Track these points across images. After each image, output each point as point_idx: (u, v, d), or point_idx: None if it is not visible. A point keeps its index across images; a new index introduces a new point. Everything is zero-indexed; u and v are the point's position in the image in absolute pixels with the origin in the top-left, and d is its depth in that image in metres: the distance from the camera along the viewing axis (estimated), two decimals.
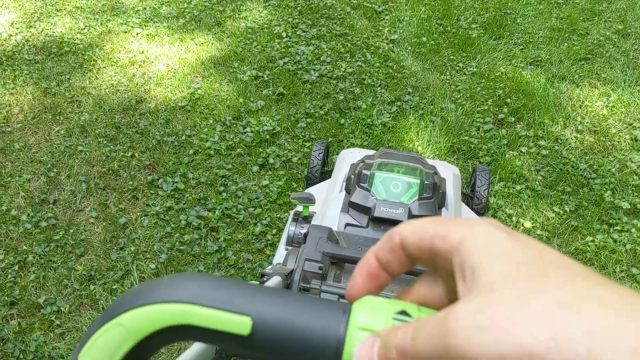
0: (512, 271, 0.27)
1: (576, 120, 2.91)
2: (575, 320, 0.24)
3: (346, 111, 2.88)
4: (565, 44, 3.50)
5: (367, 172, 1.73)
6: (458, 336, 0.26)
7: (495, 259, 0.28)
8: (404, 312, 0.33)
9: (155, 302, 0.35)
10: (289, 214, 1.80)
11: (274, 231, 2.28)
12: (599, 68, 3.31)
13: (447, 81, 3.15)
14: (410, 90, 3.04)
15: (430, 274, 0.37)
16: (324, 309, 0.35)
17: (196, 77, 3.06)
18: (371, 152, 1.97)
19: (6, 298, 1.98)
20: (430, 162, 1.86)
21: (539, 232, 2.34)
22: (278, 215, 2.35)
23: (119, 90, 2.92)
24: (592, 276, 0.27)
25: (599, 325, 0.23)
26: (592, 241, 2.31)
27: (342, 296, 1.54)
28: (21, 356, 1.83)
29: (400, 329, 0.31)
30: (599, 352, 0.23)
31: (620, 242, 2.30)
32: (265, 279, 1.53)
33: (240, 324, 0.34)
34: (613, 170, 2.64)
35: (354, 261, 1.59)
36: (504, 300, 0.26)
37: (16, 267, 2.08)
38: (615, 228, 2.36)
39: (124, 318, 0.35)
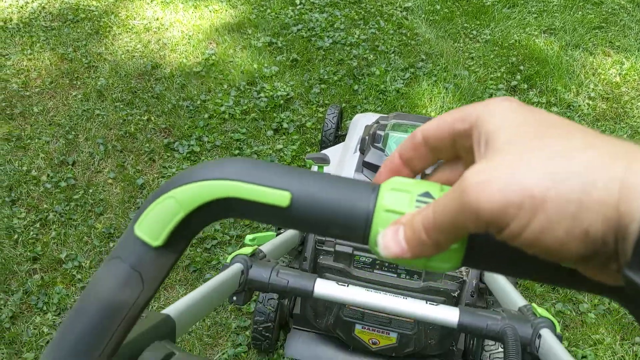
0: (517, 135, 0.30)
1: (589, 88, 2.91)
2: (570, 164, 0.27)
3: (360, 77, 2.89)
4: (580, 13, 3.48)
5: (382, 133, 1.75)
6: (470, 193, 0.28)
7: (505, 128, 0.31)
8: (427, 194, 0.36)
9: (205, 179, 0.39)
10: None
11: None
12: (613, 36, 3.29)
13: (461, 49, 3.15)
14: (423, 57, 3.05)
15: (451, 160, 0.40)
16: (355, 186, 0.38)
17: (210, 43, 3.08)
18: (385, 115, 2.00)
19: (29, 253, 2.03)
20: None
21: None
22: None
23: (134, 56, 2.95)
24: (588, 132, 0.29)
25: (591, 165, 0.26)
26: None
27: (355, 248, 1.58)
28: (44, 308, 1.89)
29: (421, 210, 0.33)
30: (591, 186, 0.26)
31: None
32: (281, 232, 1.57)
33: (280, 197, 0.38)
34: (625, 136, 2.65)
35: None
36: (508, 157, 0.29)
37: (38, 225, 2.14)
38: None
39: (177, 192, 0.39)
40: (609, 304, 1.97)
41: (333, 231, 0.38)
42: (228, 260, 1.06)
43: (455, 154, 0.38)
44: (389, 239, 0.34)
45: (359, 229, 0.37)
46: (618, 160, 0.26)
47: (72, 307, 0.40)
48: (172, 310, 0.64)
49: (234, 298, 1.05)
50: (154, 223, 0.39)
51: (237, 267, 1.01)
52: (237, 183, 0.38)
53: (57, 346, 0.40)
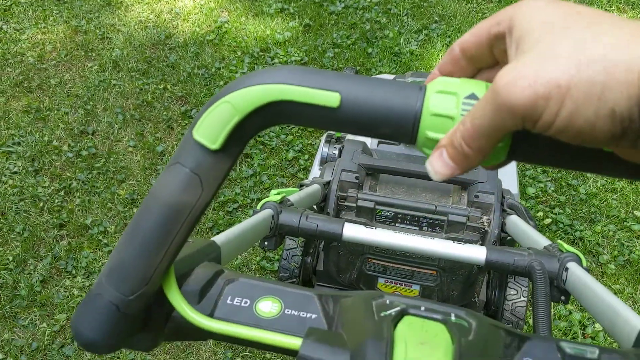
0: (545, 31, 0.31)
1: None
2: (593, 49, 0.28)
3: (373, 40, 2.89)
4: None
5: None
6: (502, 93, 0.30)
7: (533, 28, 0.32)
8: (472, 95, 0.38)
9: (258, 83, 0.40)
10: (321, 139, 1.84)
11: (306, 156, 2.33)
12: None
13: (474, 9, 3.12)
14: (436, 18, 3.03)
15: (490, 67, 0.42)
16: (403, 87, 0.39)
17: (222, 11, 3.07)
18: (401, 75, 2.00)
19: (55, 220, 2.08)
20: None
21: None
22: (309, 142, 2.40)
23: (147, 27, 2.95)
24: (615, 18, 0.30)
25: (614, 47, 0.28)
26: None
27: (377, 202, 1.60)
28: (73, 271, 1.94)
29: (458, 126, 0.35)
30: (613, 67, 0.27)
31: None
32: (304, 188, 1.59)
33: (330, 97, 0.39)
34: None
35: (389, 171, 1.64)
36: (536, 53, 0.30)
37: (62, 193, 2.18)
38: None
39: (232, 96, 0.40)
40: (628, 255, 1.98)
41: (381, 131, 0.40)
42: (258, 207, 1.09)
43: (493, 60, 0.39)
44: (436, 164, 0.36)
45: (406, 129, 0.39)
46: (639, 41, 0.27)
47: (138, 211, 0.42)
48: (216, 239, 0.67)
49: (266, 243, 1.08)
50: (212, 127, 0.40)
51: (267, 212, 1.04)
52: (289, 86, 0.40)
53: (125, 246, 0.42)
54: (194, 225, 0.44)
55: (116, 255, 0.42)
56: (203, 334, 0.48)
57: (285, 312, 0.49)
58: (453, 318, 0.45)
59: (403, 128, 0.38)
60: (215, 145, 0.41)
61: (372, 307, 0.47)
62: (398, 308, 0.46)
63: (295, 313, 0.49)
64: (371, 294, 0.49)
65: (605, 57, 0.28)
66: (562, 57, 0.28)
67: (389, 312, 0.46)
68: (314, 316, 0.49)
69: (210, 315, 0.48)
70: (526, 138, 0.36)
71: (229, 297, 0.50)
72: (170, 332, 0.49)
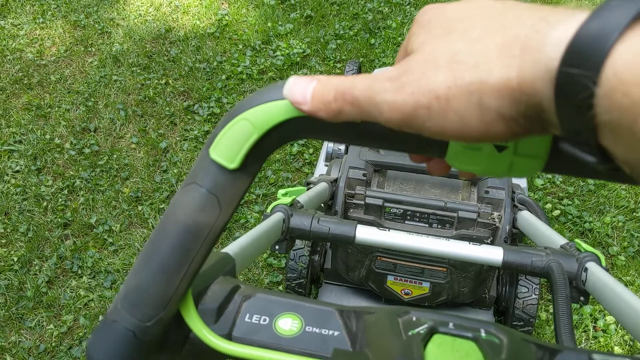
0: (428, 36, 0.31)
1: None
2: (468, 57, 0.28)
3: (376, 31, 2.85)
4: None
5: None
6: (384, 94, 0.31)
7: (418, 33, 0.33)
8: None
9: (278, 98, 0.38)
10: None
11: (311, 150, 2.31)
12: None
13: None
14: None
15: None
16: None
17: (222, 4, 3.03)
18: None
19: (59, 220, 2.06)
20: None
21: None
22: None
23: (147, 20, 2.92)
24: (493, 18, 0.30)
25: (486, 55, 0.28)
26: None
27: (386, 200, 1.58)
28: (79, 272, 1.92)
29: (345, 77, 0.34)
30: (486, 74, 0.28)
31: None
32: (311, 186, 1.57)
33: None
34: None
35: (397, 168, 1.62)
36: (420, 60, 0.30)
37: (65, 192, 2.16)
38: None
39: (249, 113, 0.38)
40: (638, 246, 1.97)
41: (410, 145, 0.38)
42: (268, 210, 1.07)
43: None
44: (297, 86, 0.35)
45: (437, 141, 0.37)
46: (514, 46, 0.27)
47: (152, 233, 0.40)
48: (229, 249, 0.65)
49: (277, 247, 1.06)
50: (229, 146, 0.39)
51: (278, 215, 1.02)
52: None
53: (142, 270, 0.41)
54: (213, 246, 0.42)
55: (132, 279, 0.41)
56: (223, 356, 0.46)
57: (306, 329, 0.48)
58: (483, 334, 0.43)
59: (433, 141, 0.36)
60: (233, 164, 0.39)
61: (399, 325, 0.45)
62: (426, 326, 0.44)
63: (317, 330, 0.48)
64: (395, 310, 0.47)
65: (479, 65, 0.28)
66: (440, 67, 0.29)
67: (417, 330, 0.44)
68: (336, 333, 0.48)
69: (229, 334, 0.47)
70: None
71: (247, 315, 0.48)
72: (188, 354, 0.47)
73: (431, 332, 0.44)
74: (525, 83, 0.27)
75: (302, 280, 1.70)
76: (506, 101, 0.27)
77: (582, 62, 0.24)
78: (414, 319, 0.45)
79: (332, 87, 0.34)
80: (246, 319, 0.48)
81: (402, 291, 1.67)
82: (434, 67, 0.29)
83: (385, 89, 0.31)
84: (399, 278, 1.64)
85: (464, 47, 0.29)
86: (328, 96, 0.34)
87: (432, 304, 1.71)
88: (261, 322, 0.48)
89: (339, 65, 2.67)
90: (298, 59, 2.68)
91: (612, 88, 0.24)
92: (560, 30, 0.26)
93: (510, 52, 0.27)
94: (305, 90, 0.35)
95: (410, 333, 0.44)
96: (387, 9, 2.97)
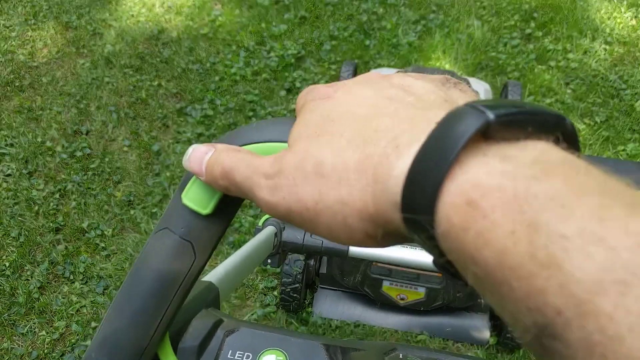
0: (301, 134, 0.31)
1: (605, 32, 2.84)
2: (331, 173, 0.28)
3: (371, 32, 2.84)
4: None
5: None
6: (260, 191, 0.31)
7: (294, 131, 0.32)
8: None
9: (250, 142, 0.37)
10: None
11: None
12: None
13: None
14: (434, 8, 2.98)
15: None
16: None
17: (215, 4, 3.01)
18: (402, 70, 1.96)
19: (51, 224, 2.04)
20: (462, 77, 1.85)
21: None
22: None
23: (139, 21, 2.89)
24: (363, 127, 0.29)
25: (346, 174, 0.28)
26: (624, 150, 2.31)
27: None
28: (71, 277, 1.90)
29: (238, 152, 0.34)
30: (348, 196, 0.27)
31: None
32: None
33: None
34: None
35: None
36: (288, 167, 0.30)
37: (57, 196, 2.14)
38: None
39: None
40: None
41: None
42: (260, 224, 1.05)
43: None
44: (195, 156, 0.35)
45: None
46: (368, 169, 0.27)
47: (125, 280, 0.39)
48: (213, 277, 0.64)
49: (269, 261, 1.05)
50: (202, 191, 0.38)
51: (270, 229, 1.01)
52: (282, 144, 0.37)
53: (116, 318, 0.39)
54: (190, 290, 0.41)
55: (107, 326, 0.39)
56: None
57: None
58: None
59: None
60: (207, 210, 0.38)
61: None
62: None
63: None
64: (383, 346, 0.46)
65: (340, 183, 0.28)
66: (309, 177, 0.29)
67: None
68: None
69: None
70: None
71: (230, 352, 0.47)
72: None
73: None
74: (380, 210, 0.26)
75: (298, 285, 1.69)
76: (368, 223, 0.27)
77: (415, 205, 0.24)
78: (401, 356, 0.44)
79: (220, 164, 0.34)
80: (229, 356, 0.47)
81: (398, 296, 1.67)
82: (303, 177, 0.29)
83: (262, 186, 0.31)
84: (394, 283, 1.63)
85: (329, 158, 0.28)
86: (216, 172, 0.34)
87: (427, 308, 1.70)
88: (244, 359, 0.47)
89: (333, 66, 2.65)
90: (292, 60, 2.67)
91: (446, 231, 0.23)
92: (403, 161, 0.25)
93: (365, 175, 0.27)
94: (201, 161, 0.35)
95: None
96: (381, 9, 2.96)
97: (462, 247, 0.22)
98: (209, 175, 0.34)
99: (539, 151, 0.23)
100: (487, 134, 0.23)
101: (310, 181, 0.29)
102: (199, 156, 0.35)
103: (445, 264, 0.25)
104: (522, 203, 0.21)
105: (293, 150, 0.30)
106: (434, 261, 0.26)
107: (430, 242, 0.24)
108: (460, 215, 0.22)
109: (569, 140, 0.25)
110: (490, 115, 0.23)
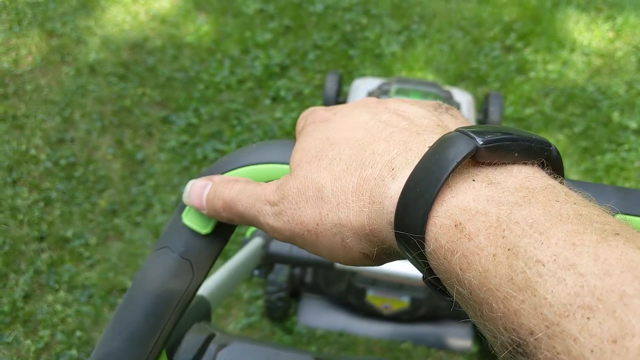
0: (302, 159, 0.33)
1: (583, 44, 2.90)
2: (330, 196, 0.30)
3: (354, 42, 2.87)
4: None
5: (385, 98, 1.76)
6: (266, 217, 0.33)
7: (294, 155, 0.34)
8: None
9: (248, 164, 0.39)
10: None
11: None
12: None
13: (453, 9, 3.12)
14: (416, 19, 3.02)
15: None
16: None
17: (200, 13, 3.02)
18: (385, 80, 1.99)
19: (35, 233, 2.03)
20: (445, 88, 1.88)
21: None
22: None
23: (124, 29, 2.89)
24: (360, 152, 0.31)
25: (344, 197, 0.30)
26: (601, 161, 2.36)
27: None
28: (56, 286, 1.90)
29: (237, 183, 0.36)
30: (345, 219, 0.29)
31: (628, 160, 2.35)
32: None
33: None
34: (620, 91, 2.66)
35: None
36: (291, 192, 0.32)
37: (41, 204, 2.13)
38: (624, 147, 2.41)
39: None
40: None
41: None
42: (247, 235, 1.07)
43: None
44: (194, 191, 0.37)
45: None
46: (365, 191, 0.29)
47: (124, 297, 0.40)
48: (204, 290, 0.65)
49: (256, 272, 1.06)
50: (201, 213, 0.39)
51: (257, 241, 1.02)
52: (281, 166, 0.39)
53: (113, 336, 0.40)
54: (186, 309, 0.42)
55: (102, 347, 0.40)
56: None
57: None
58: None
59: None
60: (206, 229, 0.39)
61: None
62: None
63: None
64: None
65: (339, 206, 0.30)
66: (310, 201, 0.31)
67: None
68: None
69: None
70: None
71: None
72: None
73: None
74: (375, 230, 0.28)
75: (282, 293, 1.71)
76: (364, 243, 0.29)
77: (407, 225, 0.25)
78: None
79: (220, 198, 0.35)
80: None
81: (382, 305, 1.69)
82: (305, 200, 0.31)
83: (267, 213, 0.33)
84: (379, 292, 1.65)
85: (329, 183, 0.30)
86: (217, 206, 0.35)
87: (412, 317, 1.73)
88: None
89: (318, 76, 2.68)
90: (277, 69, 2.69)
91: (435, 250, 0.25)
92: (398, 182, 0.27)
93: (362, 197, 0.29)
94: (201, 196, 0.37)
95: None
96: (365, 20, 2.99)
97: (449, 267, 0.24)
98: (211, 209, 0.36)
99: (524, 177, 0.25)
100: (476, 157, 0.25)
101: (311, 205, 0.31)
102: (198, 191, 0.37)
103: (433, 281, 0.27)
104: (505, 228, 0.22)
105: (295, 176, 0.32)
106: (423, 278, 0.28)
107: (420, 260, 0.26)
108: (448, 236, 0.24)
109: (554, 164, 0.27)
110: (479, 141, 0.25)
